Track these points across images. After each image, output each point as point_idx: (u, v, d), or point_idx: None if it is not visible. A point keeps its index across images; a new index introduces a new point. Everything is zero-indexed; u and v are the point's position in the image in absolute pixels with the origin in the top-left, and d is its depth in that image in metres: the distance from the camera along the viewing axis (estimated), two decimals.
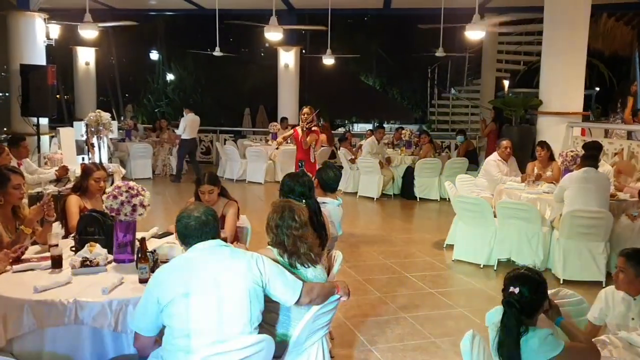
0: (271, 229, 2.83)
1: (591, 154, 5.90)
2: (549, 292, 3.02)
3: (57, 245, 3.23)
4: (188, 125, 11.23)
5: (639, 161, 7.39)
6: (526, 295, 2.39)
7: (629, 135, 9.59)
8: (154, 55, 23.83)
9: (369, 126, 19.34)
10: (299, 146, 7.37)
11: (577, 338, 2.56)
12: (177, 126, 12.01)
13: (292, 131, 7.58)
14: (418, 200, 9.72)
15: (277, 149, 11.29)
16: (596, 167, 5.64)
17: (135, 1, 13.33)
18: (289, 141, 8.80)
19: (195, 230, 2.50)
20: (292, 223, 2.77)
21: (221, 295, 2.36)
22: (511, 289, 2.42)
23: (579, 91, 8.58)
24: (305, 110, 7.35)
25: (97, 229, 3.47)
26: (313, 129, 7.23)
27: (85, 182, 4.19)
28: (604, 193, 5.53)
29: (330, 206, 3.92)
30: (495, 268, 5.88)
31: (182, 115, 11.49)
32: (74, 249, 3.41)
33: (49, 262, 3.18)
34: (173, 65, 23.42)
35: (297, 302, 2.60)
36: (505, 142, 7.23)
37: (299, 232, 2.77)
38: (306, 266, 2.81)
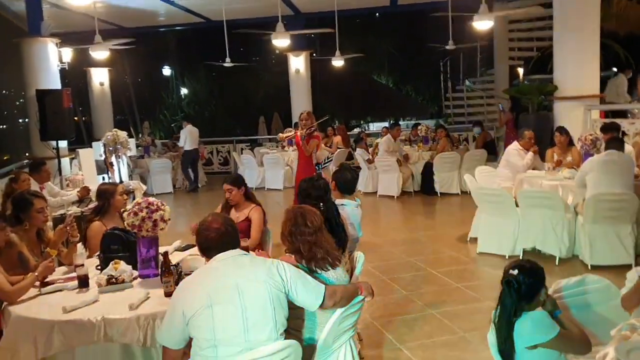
0: (285, 237, 2.82)
1: (615, 137, 5.81)
2: (574, 278, 2.98)
3: (82, 265, 3.28)
4: (188, 136, 11.64)
5: None
6: (524, 278, 2.48)
7: None
8: (167, 71, 24.10)
9: (385, 125, 19.28)
10: (301, 152, 7.01)
11: (572, 330, 2.58)
12: (177, 139, 12.51)
13: (293, 132, 7.34)
14: (439, 195, 9.66)
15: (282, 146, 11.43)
16: (621, 149, 5.54)
17: (144, 19, 13.50)
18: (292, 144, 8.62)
19: (215, 241, 2.52)
20: (306, 229, 2.76)
21: (244, 303, 2.37)
22: (510, 271, 2.52)
23: (594, 73, 8.46)
24: (303, 115, 6.96)
25: (120, 246, 3.52)
26: (314, 134, 6.93)
27: (110, 202, 4.24)
28: (628, 175, 5.44)
29: (348, 208, 3.92)
30: (521, 258, 5.81)
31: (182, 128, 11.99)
32: (99, 267, 3.47)
33: (75, 282, 3.23)
34: (186, 79, 23.65)
35: (321, 306, 2.60)
36: (528, 133, 7.11)
37: (312, 237, 2.77)
38: (325, 269, 2.81)
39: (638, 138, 7.57)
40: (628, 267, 5.19)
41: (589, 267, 5.32)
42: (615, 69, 17.22)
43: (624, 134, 7.31)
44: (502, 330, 2.48)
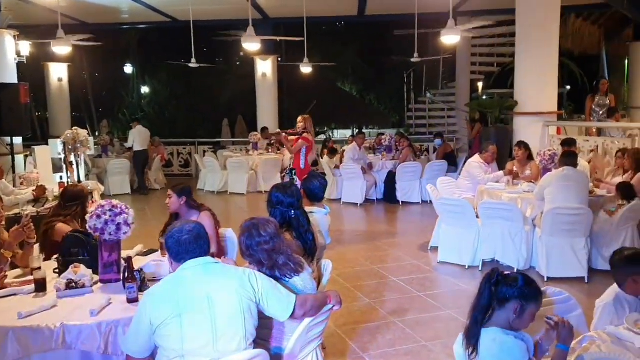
0: (243, 252, 2.80)
1: (570, 153, 6.00)
2: None
3: (39, 268, 3.17)
4: (137, 137, 11.54)
5: (613, 158, 7.52)
6: (514, 279, 2.39)
7: (599, 132, 9.78)
8: (128, 69, 23.59)
9: (349, 132, 19.39)
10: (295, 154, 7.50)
11: None
12: (125, 140, 12.70)
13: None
14: (400, 204, 9.78)
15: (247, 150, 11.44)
16: (573, 163, 5.73)
17: (108, 15, 13.18)
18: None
19: (189, 244, 2.45)
20: (261, 239, 2.74)
21: (214, 313, 2.33)
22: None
23: (553, 91, 8.73)
24: (299, 118, 7.50)
25: (81, 249, 3.42)
26: (304, 135, 7.32)
27: (85, 205, 4.15)
28: (584, 190, 5.62)
29: (318, 215, 3.92)
30: (480, 269, 5.92)
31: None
32: (57, 271, 3.35)
33: (32, 286, 3.11)
34: (147, 78, 23.23)
35: (291, 316, 2.57)
36: (492, 147, 7.34)
37: (270, 245, 2.74)
38: (288, 277, 2.78)
39: (593, 155, 7.85)
40: (581, 279, 5.42)
41: (545, 279, 5.47)
42: (568, 87, 17.91)
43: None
44: (472, 321, 2.40)
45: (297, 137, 7.33)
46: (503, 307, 2.38)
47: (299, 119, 7.46)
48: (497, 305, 2.39)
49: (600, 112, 10.05)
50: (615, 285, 2.95)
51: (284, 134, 7.59)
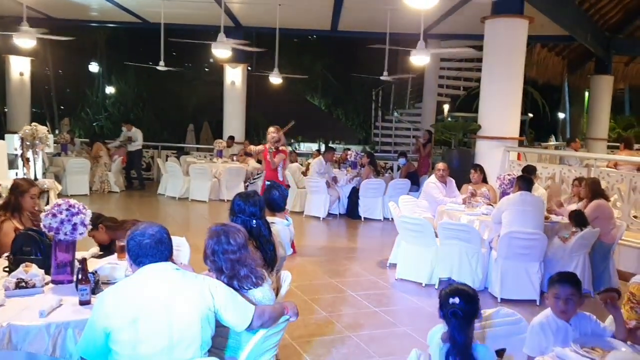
0: (207, 256, 2.75)
1: (526, 177, 6.17)
2: (490, 311, 3.12)
3: None
4: (138, 136, 12.68)
5: (569, 185, 7.77)
6: (464, 304, 2.45)
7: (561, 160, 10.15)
8: (94, 67, 23.10)
9: (315, 146, 19.43)
10: (268, 166, 7.44)
11: None
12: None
13: (262, 147, 7.65)
14: (362, 219, 9.84)
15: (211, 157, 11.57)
16: (528, 188, 5.90)
17: (75, 11, 12.92)
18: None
19: (150, 248, 2.40)
20: (228, 247, 2.70)
21: (172, 320, 2.29)
22: (451, 300, 2.46)
23: (516, 117, 8.96)
24: (271, 129, 7.32)
25: (33, 248, 3.31)
26: (280, 148, 7.29)
27: (19, 199, 4.01)
28: (539, 215, 5.78)
29: (278, 226, 3.91)
30: (436, 287, 6.00)
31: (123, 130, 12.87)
32: (7, 269, 3.24)
33: None
34: (114, 78, 22.81)
35: (249, 327, 2.54)
36: (440, 165, 7.55)
37: (236, 255, 2.71)
38: (246, 288, 2.75)
39: (550, 182, 8.08)
40: (533, 302, 5.55)
41: (499, 300, 5.58)
42: (530, 114, 18.47)
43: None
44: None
45: (275, 151, 7.26)
46: (470, 326, 2.51)
47: (272, 129, 7.31)
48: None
49: None
50: (549, 309, 3.04)
51: (270, 149, 7.31)
